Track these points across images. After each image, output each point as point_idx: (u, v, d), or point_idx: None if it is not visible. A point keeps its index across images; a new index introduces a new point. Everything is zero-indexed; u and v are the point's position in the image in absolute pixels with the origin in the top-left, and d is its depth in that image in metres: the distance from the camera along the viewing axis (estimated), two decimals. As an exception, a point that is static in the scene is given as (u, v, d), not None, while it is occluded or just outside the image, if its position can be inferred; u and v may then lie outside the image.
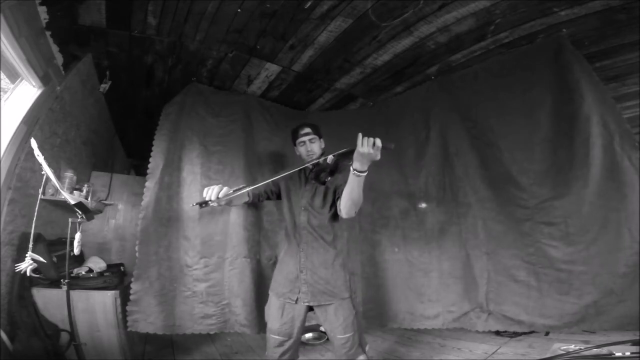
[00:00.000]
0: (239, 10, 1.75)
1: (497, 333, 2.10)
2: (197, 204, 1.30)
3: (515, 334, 2.04)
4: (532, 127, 1.95)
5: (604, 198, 1.68)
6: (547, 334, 1.97)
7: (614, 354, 1.14)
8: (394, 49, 2.07)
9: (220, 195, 1.26)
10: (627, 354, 1.12)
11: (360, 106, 2.80)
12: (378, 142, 1.15)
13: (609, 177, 1.67)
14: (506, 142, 2.04)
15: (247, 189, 1.39)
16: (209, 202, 1.26)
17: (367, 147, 1.15)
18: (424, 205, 2.32)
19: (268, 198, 1.67)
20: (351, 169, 1.24)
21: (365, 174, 1.23)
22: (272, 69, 2.30)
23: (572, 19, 1.79)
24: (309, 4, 1.70)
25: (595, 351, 1.21)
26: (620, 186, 1.64)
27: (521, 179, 1.96)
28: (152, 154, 2.08)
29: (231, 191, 1.28)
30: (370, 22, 1.82)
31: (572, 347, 1.33)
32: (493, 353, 1.91)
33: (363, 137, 1.17)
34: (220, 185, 1.29)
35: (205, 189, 1.29)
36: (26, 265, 1.43)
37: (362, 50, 2.09)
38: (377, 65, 2.25)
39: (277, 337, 1.42)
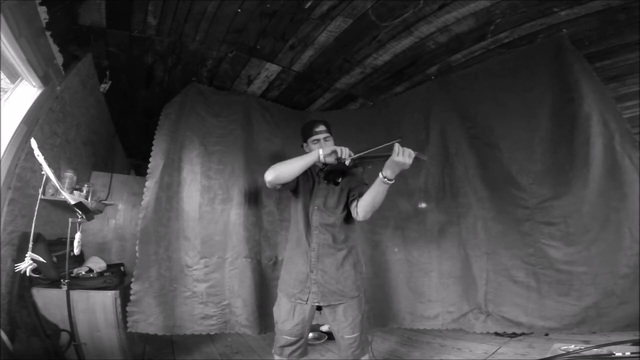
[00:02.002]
0: (239, 10, 1.75)
1: (497, 333, 2.10)
2: (337, 158, 1.34)
3: (515, 334, 2.04)
4: (532, 127, 1.95)
5: (604, 198, 1.68)
6: (546, 334, 1.96)
7: (614, 354, 1.14)
8: (394, 49, 2.07)
9: (352, 155, 1.33)
10: (627, 354, 1.12)
11: (360, 106, 2.80)
12: (412, 152, 1.20)
13: (609, 177, 1.67)
14: (506, 142, 2.04)
15: (368, 151, 1.37)
16: (341, 159, 1.33)
17: (402, 157, 1.19)
18: (423, 205, 2.32)
19: (289, 187, 1.56)
20: (380, 175, 1.27)
21: (393, 182, 1.27)
22: (272, 69, 2.30)
23: (572, 19, 1.79)
24: (309, 4, 1.70)
25: (595, 351, 1.21)
26: (621, 186, 1.64)
27: (521, 179, 1.96)
28: (152, 154, 2.08)
29: (353, 154, 1.35)
30: (370, 22, 1.82)
31: (572, 347, 1.33)
32: (493, 353, 1.91)
33: (398, 147, 1.21)
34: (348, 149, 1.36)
35: (338, 148, 1.34)
36: (26, 265, 1.43)
37: (362, 50, 2.09)
38: (377, 65, 2.25)
39: (289, 337, 1.42)
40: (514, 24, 1.85)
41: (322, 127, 1.55)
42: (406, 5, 1.71)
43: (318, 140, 1.54)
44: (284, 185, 1.50)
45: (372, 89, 2.56)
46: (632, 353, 1.12)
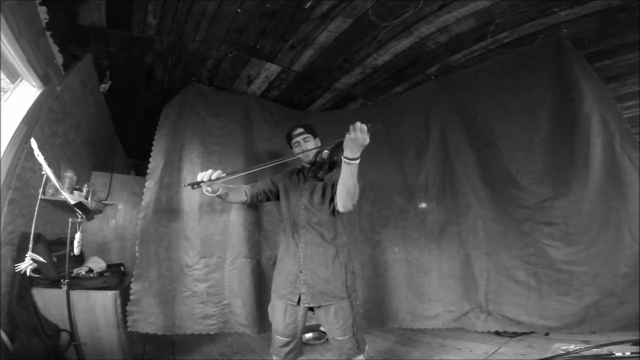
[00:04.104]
0: (239, 10, 1.75)
1: (497, 333, 2.10)
2: (189, 184, 1.29)
3: (515, 334, 2.04)
4: (532, 127, 1.95)
5: (604, 198, 1.68)
6: (546, 334, 1.97)
7: (614, 354, 1.14)
8: (394, 49, 2.07)
9: (212, 177, 1.25)
10: (627, 354, 1.12)
11: (360, 106, 2.80)
12: (364, 126, 1.14)
13: (609, 177, 1.67)
14: (506, 142, 2.04)
15: (237, 174, 1.39)
16: (201, 184, 1.26)
17: (354, 133, 1.14)
18: (424, 205, 2.33)
19: (268, 199, 1.66)
20: (342, 158, 1.22)
21: (357, 161, 1.21)
22: (272, 69, 2.30)
23: (572, 19, 1.79)
24: (309, 4, 1.70)
25: (595, 351, 1.21)
26: (621, 186, 1.64)
27: (521, 179, 1.96)
28: (152, 154, 2.08)
29: (224, 174, 1.28)
30: (370, 22, 1.82)
31: (572, 347, 1.33)
32: (493, 353, 1.91)
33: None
34: (213, 170, 1.29)
35: (200, 174, 1.28)
36: (26, 265, 1.43)
37: (362, 50, 2.09)
38: (377, 65, 2.25)
39: (282, 338, 1.43)
40: (514, 24, 1.85)
41: (299, 130, 1.61)
42: (406, 5, 1.72)
43: (298, 142, 1.60)
44: (258, 200, 1.63)
45: (372, 89, 2.56)
46: (632, 353, 1.12)
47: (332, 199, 1.48)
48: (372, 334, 2.39)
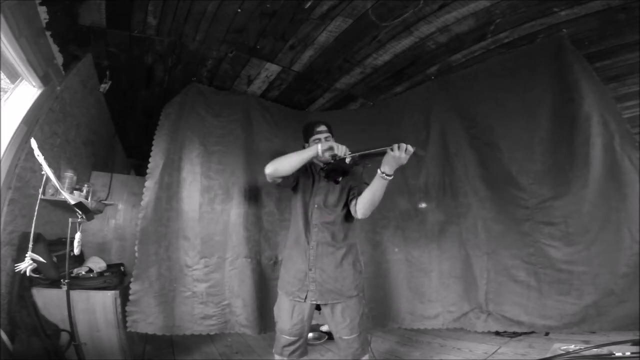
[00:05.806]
0: (239, 10, 1.75)
1: (497, 333, 2.10)
2: (333, 155, 1.35)
3: (515, 334, 2.04)
4: (532, 127, 1.95)
5: (604, 198, 1.68)
6: (547, 334, 1.97)
7: (614, 354, 1.14)
8: (394, 49, 2.07)
9: (347, 153, 1.34)
10: (627, 354, 1.12)
11: (360, 106, 2.80)
12: (410, 148, 1.22)
13: (609, 177, 1.67)
14: (506, 142, 2.04)
15: (359, 153, 1.37)
16: (337, 156, 1.34)
17: (398, 152, 1.21)
18: (424, 205, 2.33)
19: (289, 184, 1.56)
20: (379, 171, 1.29)
21: (392, 177, 1.29)
22: (272, 69, 2.30)
23: (572, 19, 1.79)
24: (309, 4, 1.70)
25: (595, 351, 1.21)
26: (621, 186, 1.64)
27: (521, 179, 1.96)
28: (152, 154, 2.08)
29: (355, 153, 1.34)
30: (370, 22, 1.82)
31: (572, 347, 1.33)
32: (493, 353, 1.91)
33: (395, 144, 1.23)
34: (344, 146, 1.36)
35: (335, 145, 1.34)
36: (26, 265, 1.43)
37: (362, 50, 2.09)
38: (377, 65, 2.25)
39: (288, 337, 1.42)
40: (514, 24, 1.85)
41: (323, 127, 1.58)
42: (406, 5, 1.72)
43: (319, 140, 1.55)
44: (284, 181, 1.50)
45: (372, 89, 2.56)
46: (632, 353, 1.12)
47: (347, 203, 1.50)
48: (372, 334, 2.39)
